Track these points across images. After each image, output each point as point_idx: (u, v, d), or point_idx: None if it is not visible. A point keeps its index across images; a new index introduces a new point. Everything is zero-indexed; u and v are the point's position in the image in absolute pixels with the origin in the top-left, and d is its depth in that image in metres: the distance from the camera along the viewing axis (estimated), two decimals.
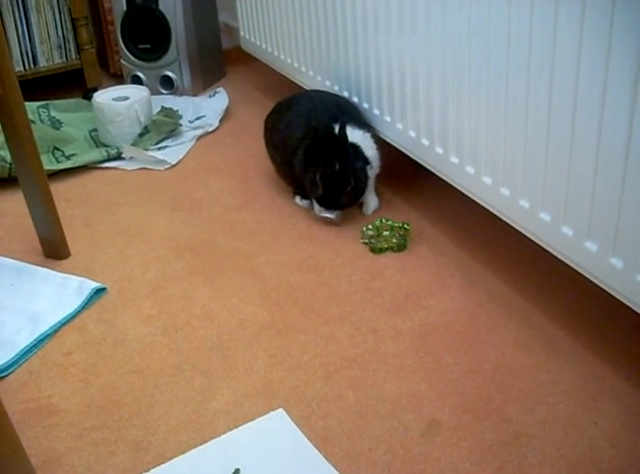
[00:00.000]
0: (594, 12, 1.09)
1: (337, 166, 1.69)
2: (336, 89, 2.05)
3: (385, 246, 1.69)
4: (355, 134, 1.78)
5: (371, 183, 1.84)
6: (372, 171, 1.81)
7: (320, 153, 1.73)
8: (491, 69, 1.37)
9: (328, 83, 2.08)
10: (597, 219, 1.20)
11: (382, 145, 1.85)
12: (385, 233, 1.72)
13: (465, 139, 1.51)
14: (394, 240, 1.70)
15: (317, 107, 1.90)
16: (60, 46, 2.74)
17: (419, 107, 1.65)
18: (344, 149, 1.71)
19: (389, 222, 1.73)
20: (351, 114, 1.90)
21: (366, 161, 1.78)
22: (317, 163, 1.74)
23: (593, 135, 1.16)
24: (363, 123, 1.87)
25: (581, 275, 1.29)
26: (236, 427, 1.23)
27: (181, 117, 2.48)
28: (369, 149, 1.80)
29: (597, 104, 1.13)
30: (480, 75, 1.41)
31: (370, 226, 1.74)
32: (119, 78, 2.89)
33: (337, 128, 1.73)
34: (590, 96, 1.14)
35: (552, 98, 1.23)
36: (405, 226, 1.71)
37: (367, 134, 1.82)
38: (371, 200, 1.88)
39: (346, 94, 2.00)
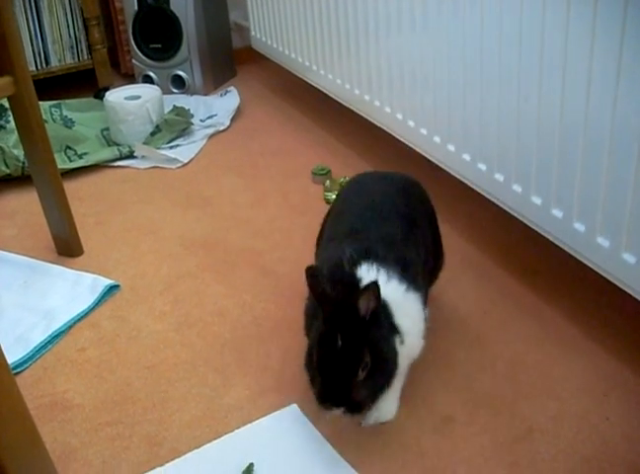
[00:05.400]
0: (606, 9, 1.10)
1: (339, 339, 1.08)
2: (347, 88, 2.05)
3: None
4: (390, 288, 1.16)
5: (401, 373, 1.21)
6: (404, 352, 1.17)
7: (326, 308, 1.12)
8: (503, 67, 1.37)
9: (339, 81, 2.09)
10: (609, 214, 1.20)
11: (397, 144, 1.85)
12: None
13: (475, 136, 1.51)
14: None
15: (362, 217, 1.30)
16: (72, 46, 2.76)
17: (429, 104, 1.66)
18: (357, 309, 1.09)
19: None
20: (410, 238, 1.28)
21: (394, 330, 1.15)
22: (318, 329, 1.14)
23: (605, 132, 1.16)
24: (415, 271, 1.23)
25: (593, 271, 1.29)
26: (250, 422, 1.24)
27: (192, 116, 2.49)
28: (407, 316, 1.17)
29: (609, 100, 1.13)
30: (492, 72, 1.41)
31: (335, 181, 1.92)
32: (130, 78, 2.91)
33: (361, 273, 1.16)
34: (602, 92, 1.15)
35: (564, 95, 1.23)
36: None
37: (412, 293, 1.19)
38: (386, 403, 1.21)
39: (361, 93, 2.00)
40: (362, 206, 1.33)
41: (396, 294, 1.16)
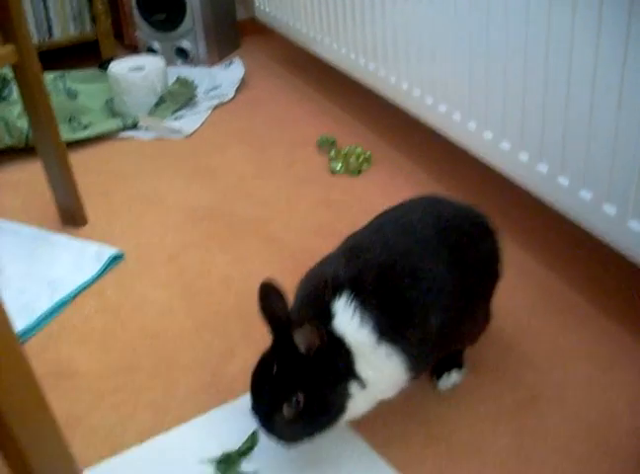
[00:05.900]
0: None
1: (275, 365, 1.03)
2: (352, 57, 2.03)
3: (340, 168, 1.93)
4: (359, 336, 1.03)
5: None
6: (368, 394, 1.06)
7: (274, 332, 1.07)
8: (509, 35, 1.36)
9: (344, 51, 2.07)
10: (616, 183, 1.19)
11: (403, 115, 1.83)
12: (351, 159, 1.93)
13: (481, 105, 1.50)
14: (351, 165, 1.92)
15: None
16: (75, 18, 2.75)
17: (435, 73, 1.64)
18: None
19: (358, 149, 1.95)
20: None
21: (350, 375, 1.03)
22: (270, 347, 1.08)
23: (612, 97, 1.15)
24: (408, 323, 1.05)
25: (599, 240, 1.28)
26: None
27: (196, 87, 2.48)
28: (374, 370, 1.04)
29: (617, 66, 1.12)
30: (498, 41, 1.40)
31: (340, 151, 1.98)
32: (133, 49, 2.89)
33: (337, 307, 1.04)
34: (609, 60, 1.14)
35: (571, 63, 1.22)
36: (366, 153, 1.95)
37: (385, 349, 1.03)
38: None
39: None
40: (385, 222, 1.18)
41: (364, 344, 1.02)
